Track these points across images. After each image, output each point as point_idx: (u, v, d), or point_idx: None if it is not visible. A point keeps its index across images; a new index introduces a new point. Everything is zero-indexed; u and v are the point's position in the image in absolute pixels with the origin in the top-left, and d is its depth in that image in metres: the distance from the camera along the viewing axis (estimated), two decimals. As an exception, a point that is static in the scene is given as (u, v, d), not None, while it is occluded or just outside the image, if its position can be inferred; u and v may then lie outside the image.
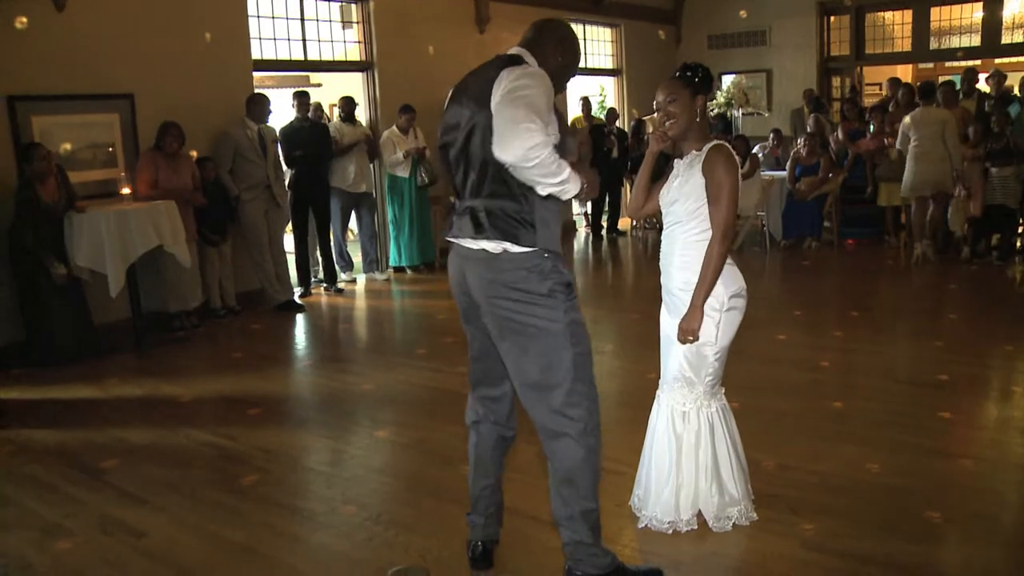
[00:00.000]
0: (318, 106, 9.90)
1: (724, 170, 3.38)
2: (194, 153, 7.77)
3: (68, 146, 7.19)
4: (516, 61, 2.95)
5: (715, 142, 3.46)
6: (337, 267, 9.39)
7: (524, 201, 2.91)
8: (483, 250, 2.96)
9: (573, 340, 2.98)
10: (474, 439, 3.38)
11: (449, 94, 3.10)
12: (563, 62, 3.11)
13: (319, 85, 13.38)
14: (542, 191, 2.84)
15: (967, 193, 9.14)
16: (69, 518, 4.11)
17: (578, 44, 3.22)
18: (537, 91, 2.81)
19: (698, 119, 3.47)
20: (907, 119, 9.08)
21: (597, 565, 3.15)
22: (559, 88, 3.05)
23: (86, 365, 6.61)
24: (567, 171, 2.80)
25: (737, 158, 3.51)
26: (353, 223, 9.88)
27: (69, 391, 6.10)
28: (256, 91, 8.28)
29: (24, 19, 6.55)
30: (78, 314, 6.81)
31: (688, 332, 3.46)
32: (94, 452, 4.94)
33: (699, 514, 3.66)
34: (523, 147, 2.68)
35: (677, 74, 3.50)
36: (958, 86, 10.34)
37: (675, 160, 3.61)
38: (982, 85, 11.49)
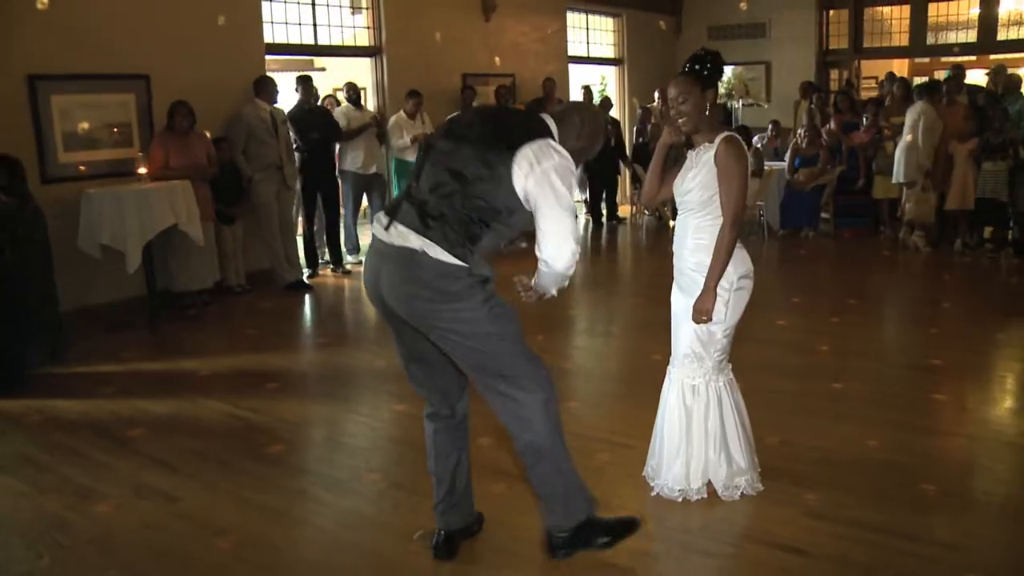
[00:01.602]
0: (328, 96, 10.06)
1: (735, 160, 3.58)
2: (208, 133, 7.92)
3: (85, 125, 7.33)
4: (549, 131, 3.10)
5: (726, 133, 3.65)
6: (344, 249, 9.55)
7: (473, 233, 2.99)
8: (405, 248, 2.97)
9: (498, 325, 3.02)
10: (430, 429, 3.44)
11: (472, 110, 3.31)
12: (582, 146, 3.26)
13: (323, 69, 13.50)
14: (539, 287, 3.21)
15: (930, 185, 9.39)
16: (102, 483, 4.29)
17: (602, 134, 3.40)
18: (572, 185, 3.03)
19: (707, 112, 3.67)
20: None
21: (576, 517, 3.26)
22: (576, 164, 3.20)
23: (101, 341, 6.77)
24: (572, 235, 3.02)
25: (747, 149, 3.71)
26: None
27: (87, 365, 6.26)
28: (260, 75, 8.42)
29: (44, 0, 6.68)
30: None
31: (702, 312, 3.66)
32: (119, 422, 5.11)
33: (708, 484, 3.87)
34: (565, 254, 3.00)
35: (687, 68, 3.67)
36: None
37: (688, 151, 3.80)
38: (981, 80, 11.70)
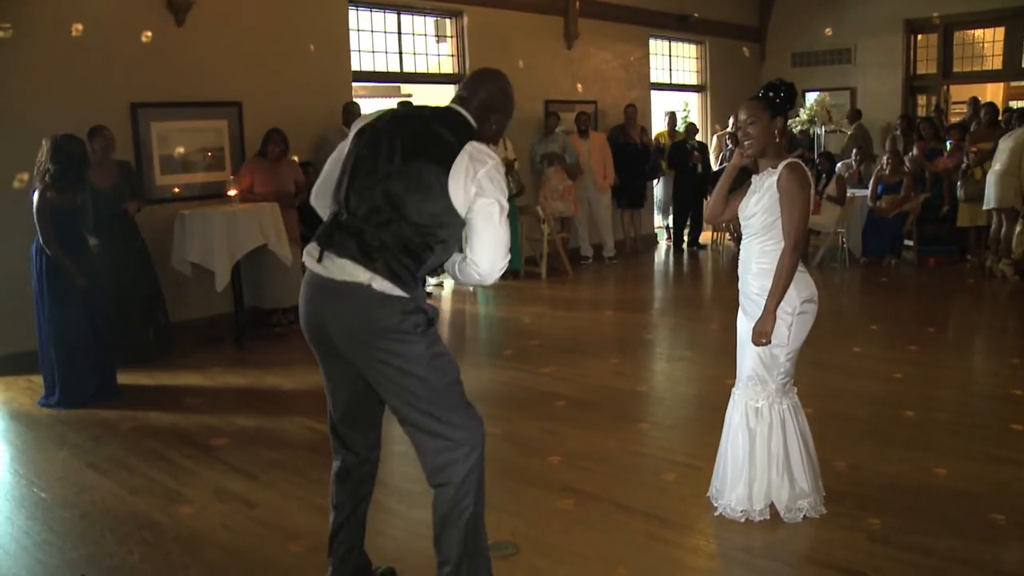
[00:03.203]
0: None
1: (797, 187, 3.65)
2: (296, 158, 8.24)
3: (181, 149, 7.73)
4: (470, 130, 3.01)
5: (789, 160, 3.72)
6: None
7: (418, 257, 2.92)
8: (349, 282, 2.88)
9: (438, 372, 2.98)
10: (337, 470, 3.35)
11: (386, 115, 3.09)
12: (498, 127, 3.17)
13: (410, 95, 13.82)
14: (453, 276, 3.10)
15: None
16: (187, 487, 4.53)
17: (513, 104, 3.21)
18: (503, 187, 2.96)
19: (776, 139, 3.74)
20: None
21: None
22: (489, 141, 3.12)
23: (190, 356, 7.09)
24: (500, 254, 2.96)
25: (810, 175, 3.76)
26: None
27: (177, 378, 6.59)
28: (348, 101, 8.72)
29: (149, 33, 7.09)
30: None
31: (762, 335, 3.71)
32: (205, 432, 5.38)
33: (771, 506, 3.90)
34: (498, 267, 2.96)
35: (760, 94, 3.77)
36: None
37: (753, 176, 3.88)
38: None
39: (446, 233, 2.95)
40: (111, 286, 6.35)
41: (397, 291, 2.87)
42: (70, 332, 5.89)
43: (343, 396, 3.23)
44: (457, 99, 3.13)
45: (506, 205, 2.95)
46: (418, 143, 2.95)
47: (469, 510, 3.05)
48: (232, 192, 7.43)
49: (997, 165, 9.20)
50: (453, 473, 3.00)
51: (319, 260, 2.96)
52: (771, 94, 3.75)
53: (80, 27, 6.67)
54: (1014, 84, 15.39)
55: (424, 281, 3.06)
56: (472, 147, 2.92)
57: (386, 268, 2.87)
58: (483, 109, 3.08)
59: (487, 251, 2.94)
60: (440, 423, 2.98)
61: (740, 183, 3.98)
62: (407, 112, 3.15)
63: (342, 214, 3.01)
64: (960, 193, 10.11)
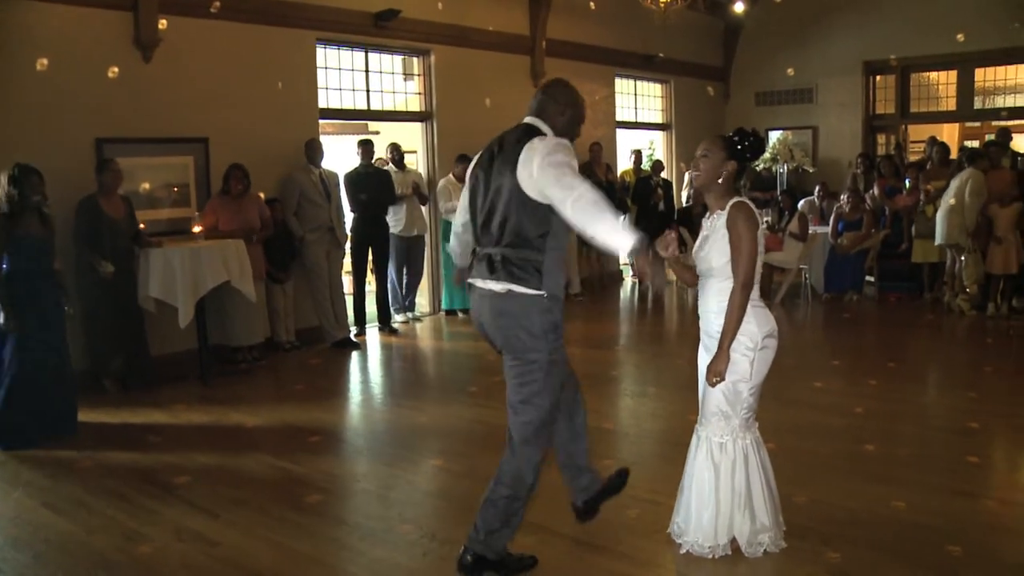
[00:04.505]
0: (379, 158, 10.36)
1: (744, 226, 3.72)
2: (262, 195, 8.24)
3: (147, 185, 7.69)
4: (535, 131, 3.55)
5: (736, 200, 3.79)
6: (392, 309, 9.77)
7: (534, 253, 3.47)
8: (491, 290, 3.53)
9: (550, 374, 3.58)
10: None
11: (475, 159, 3.73)
12: (569, 116, 3.68)
13: (377, 133, 13.86)
14: (594, 236, 3.26)
15: (974, 247, 9.39)
16: (147, 526, 4.48)
17: (577, 95, 3.73)
18: (567, 155, 3.40)
19: (721, 180, 3.81)
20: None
21: (495, 549, 3.72)
22: (573, 137, 3.66)
23: (153, 392, 7.04)
24: (609, 219, 3.20)
25: (757, 214, 3.82)
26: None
27: (139, 415, 6.51)
28: (310, 138, 8.72)
29: (116, 69, 7.08)
30: (136, 344, 7.25)
31: (715, 373, 3.76)
32: (166, 470, 5.31)
33: (733, 540, 3.92)
34: (564, 187, 3.28)
35: (729, 134, 3.86)
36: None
37: (703, 219, 3.96)
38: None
39: (552, 225, 3.46)
40: (115, 312, 6.93)
41: (522, 289, 3.48)
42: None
43: None
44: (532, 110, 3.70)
45: (572, 168, 3.36)
46: (501, 161, 3.53)
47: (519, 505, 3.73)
48: (197, 229, 7.41)
49: (945, 203, 9.42)
50: (525, 467, 3.72)
51: (476, 279, 3.66)
52: (735, 138, 3.83)
53: (45, 62, 6.65)
54: (968, 124, 15.73)
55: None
56: (528, 144, 3.44)
57: (506, 275, 3.49)
58: (549, 109, 3.65)
59: (550, 187, 3.33)
60: (525, 414, 3.66)
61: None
62: (491, 146, 3.66)
63: (477, 244, 3.72)
64: (913, 230, 10.32)
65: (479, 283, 3.61)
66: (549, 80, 3.82)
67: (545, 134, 3.54)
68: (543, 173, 3.33)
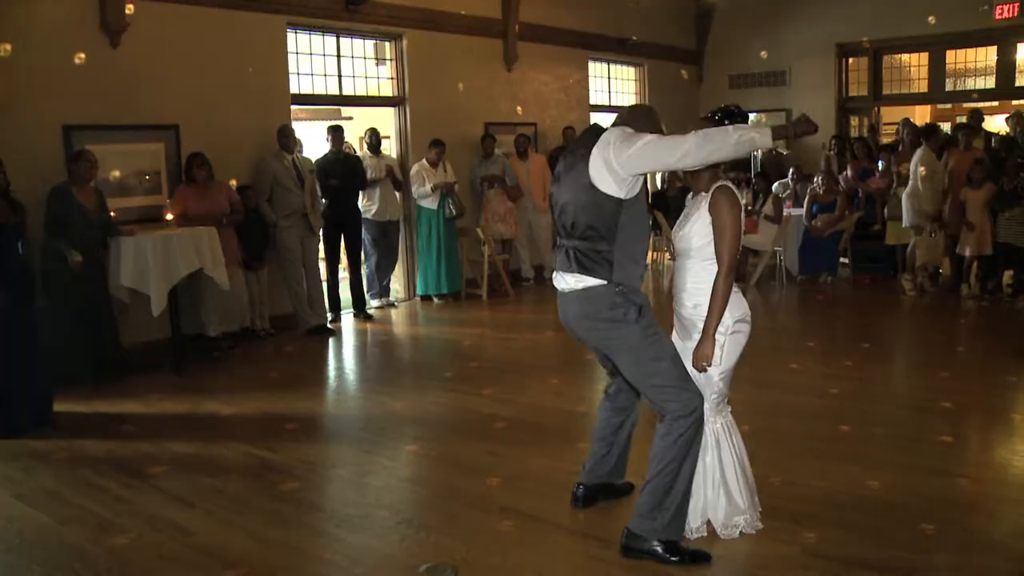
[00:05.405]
0: (349, 144, 10.30)
1: (727, 209, 3.71)
2: (234, 182, 8.17)
3: (117, 173, 7.58)
4: (602, 129, 3.80)
5: (720, 183, 3.78)
6: (368, 295, 9.74)
7: (605, 244, 3.64)
8: (570, 288, 3.74)
9: (652, 349, 3.69)
10: (604, 403, 4.26)
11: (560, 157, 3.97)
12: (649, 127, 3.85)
13: (350, 118, 13.79)
14: (737, 155, 3.53)
15: (936, 228, 9.52)
16: (122, 516, 4.44)
17: (660, 121, 3.94)
18: (639, 132, 3.68)
19: None
20: None
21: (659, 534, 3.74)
22: None
23: (127, 382, 6.98)
24: (731, 135, 3.43)
25: (740, 198, 3.83)
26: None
27: (114, 406, 6.45)
28: (282, 124, 8.65)
29: (83, 55, 6.97)
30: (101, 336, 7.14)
31: (703, 358, 3.75)
32: (142, 460, 5.27)
33: (708, 523, 3.94)
34: (672, 150, 3.52)
35: (710, 115, 3.86)
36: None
37: (687, 197, 3.95)
38: (1002, 126, 11.78)
39: (623, 216, 3.65)
40: (83, 301, 6.83)
41: (595, 280, 3.66)
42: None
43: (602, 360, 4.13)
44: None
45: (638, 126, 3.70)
46: (575, 156, 3.78)
47: (684, 478, 3.73)
48: (169, 216, 7.34)
49: (909, 185, 9.51)
50: (674, 439, 3.71)
51: (557, 275, 3.88)
52: (717, 116, 3.83)
53: (9, 47, 6.54)
54: (940, 106, 15.84)
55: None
56: (608, 131, 3.71)
57: (580, 267, 3.69)
58: (638, 117, 3.95)
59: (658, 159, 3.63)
60: (655, 393, 3.74)
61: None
62: (574, 140, 4.02)
63: (559, 236, 3.93)
64: (886, 211, 10.40)
65: (559, 280, 3.81)
66: (633, 105, 4.10)
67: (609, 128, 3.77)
68: (641, 155, 3.54)
